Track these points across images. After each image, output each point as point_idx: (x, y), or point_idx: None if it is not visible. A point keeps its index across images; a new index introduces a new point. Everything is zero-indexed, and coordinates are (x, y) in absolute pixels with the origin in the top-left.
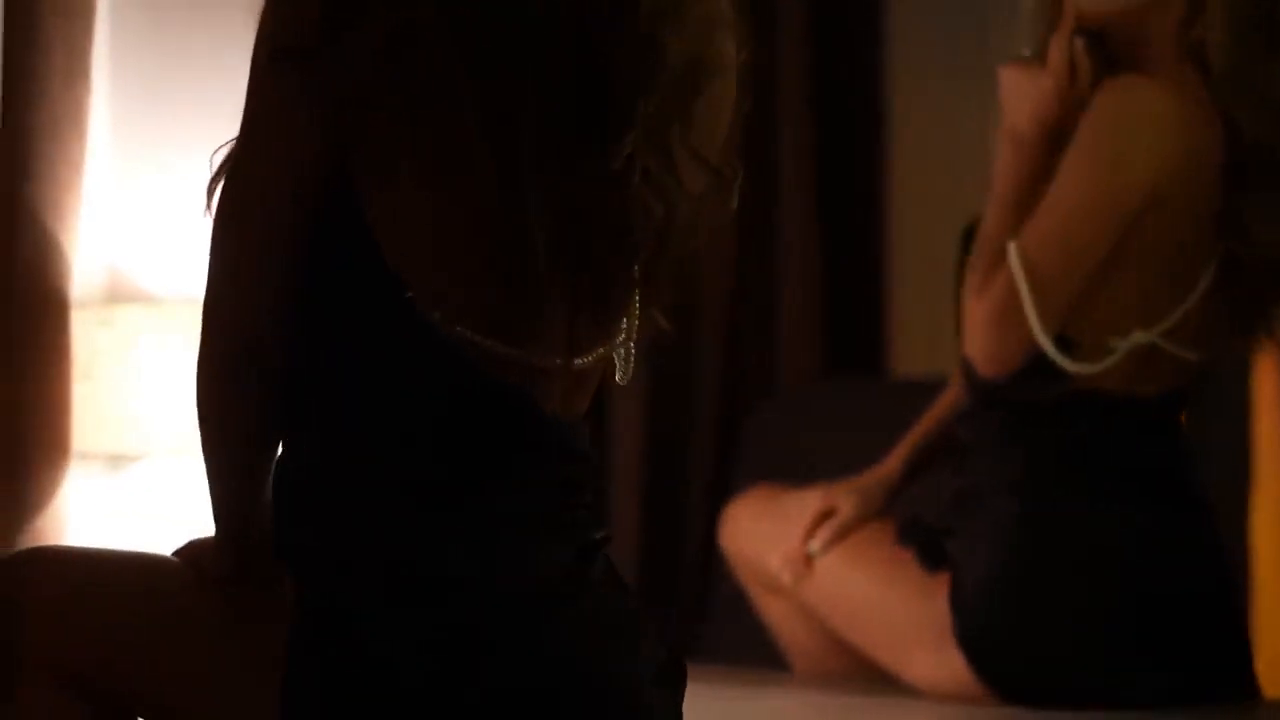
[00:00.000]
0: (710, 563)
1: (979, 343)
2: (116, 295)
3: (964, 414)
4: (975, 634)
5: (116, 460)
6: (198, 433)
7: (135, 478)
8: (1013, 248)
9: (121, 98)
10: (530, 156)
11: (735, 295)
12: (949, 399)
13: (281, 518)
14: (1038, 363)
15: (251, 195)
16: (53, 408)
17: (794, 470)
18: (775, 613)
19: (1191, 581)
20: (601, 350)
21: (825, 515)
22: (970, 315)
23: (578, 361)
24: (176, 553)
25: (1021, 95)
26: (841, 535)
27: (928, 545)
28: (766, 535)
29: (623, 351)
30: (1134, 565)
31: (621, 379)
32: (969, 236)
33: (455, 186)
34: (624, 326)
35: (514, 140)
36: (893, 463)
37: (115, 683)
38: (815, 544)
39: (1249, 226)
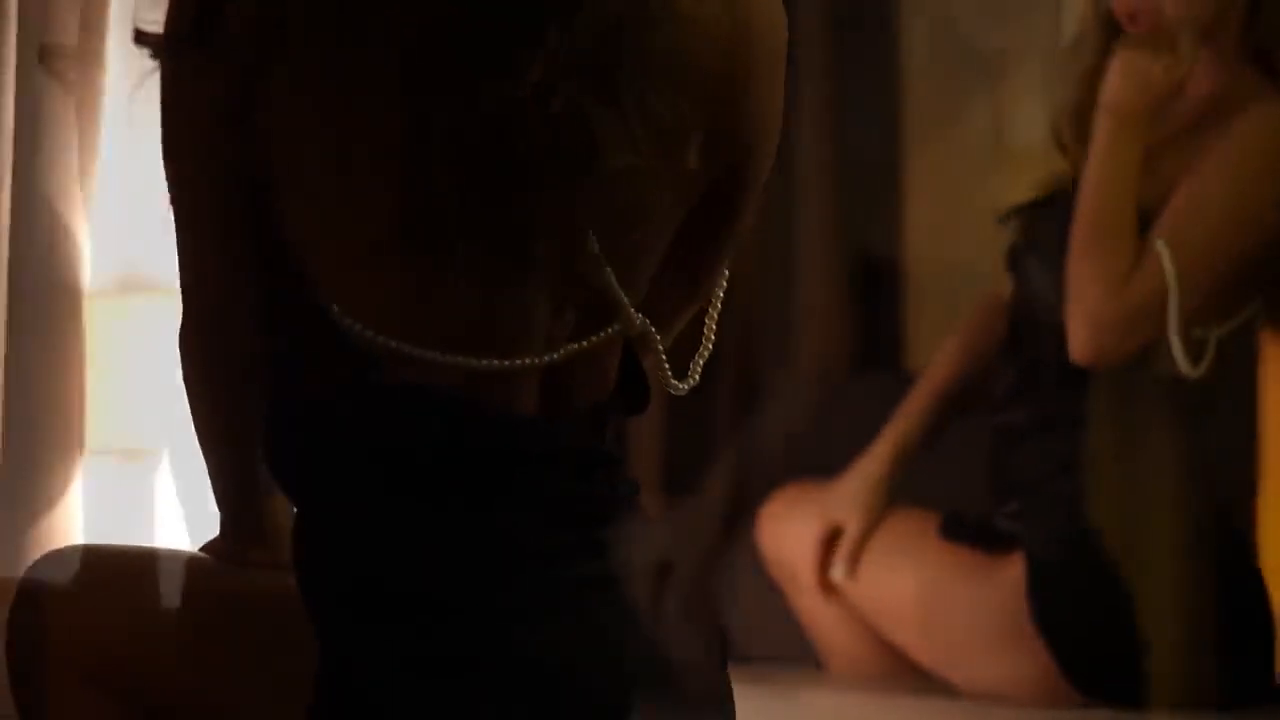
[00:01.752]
0: (729, 571)
1: (1107, 338)
2: (131, 286)
3: (1015, 396)
4: (1057, 616)
5: (131, 454)
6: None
7: (150, 472)
8: (1165, 252)
9: (136, 83)
10: (436, 92)
11: (751, 290)
12: (927, 388)
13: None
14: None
15: (180, 194)
16: (65, 400)
17: (817, 468)
18: (813, 612)
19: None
20: (575, 345)
21: (832, 535)
22: (1101, 308)
23: (529, 360)
24: (204, 547)
25: (1140, 74)
26: (860, 553)
27: (982, 532)
28: (802, 535)
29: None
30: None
31: (672, 385)
32: (1024, 212)
33: (360, 156)
34: (619, 318)
35: (419, 79)
36: (879, 460)
37: (143, 681)
38: (839, 570)
39: None
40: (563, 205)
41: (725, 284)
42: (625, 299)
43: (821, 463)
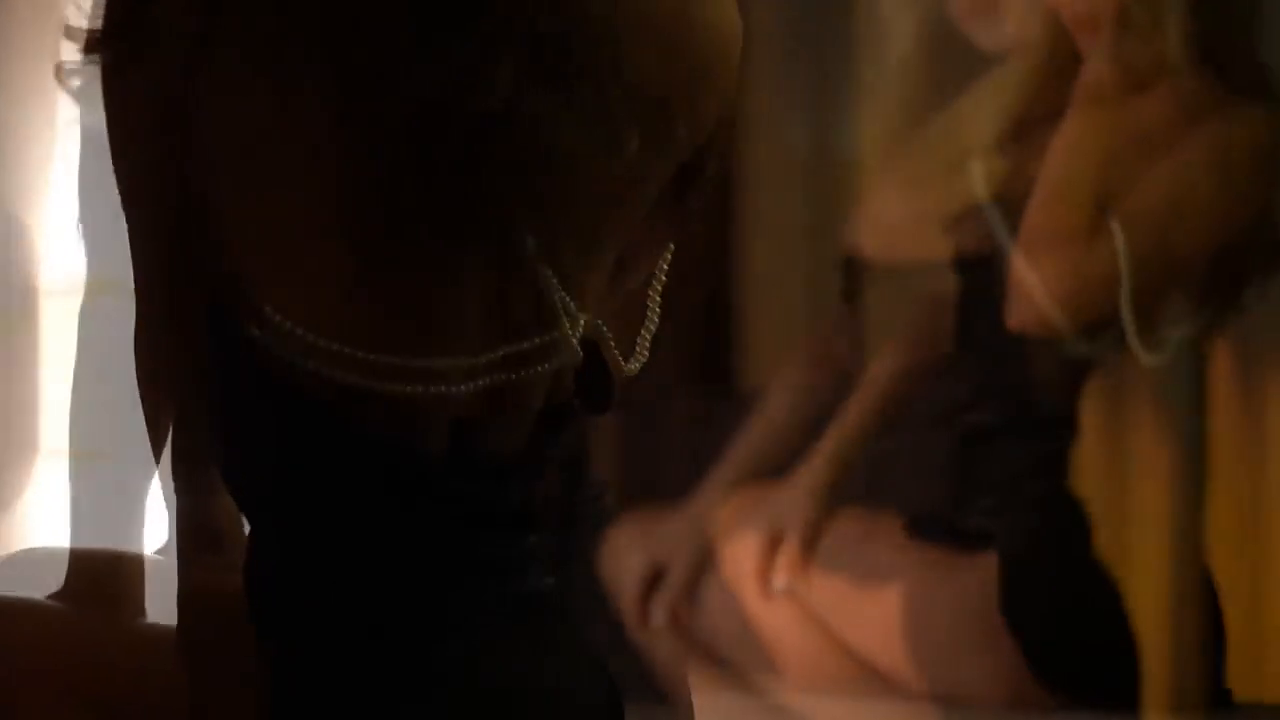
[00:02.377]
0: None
1: (1052, 309)
2: (89, 286)
3: (982, 394)
4: (1029, 613)
5: (87, 457)
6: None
7: (106, 475)
8: (1120, 232)
9: (92, 80)
10: (374, 68)
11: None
12: (868, 390)
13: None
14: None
15: (124, 192)
16: (20, 402)
17: (642, 489)
18: (765, 618)
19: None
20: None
21: (773, 544)
22: (1050, 278)
23: (465, 387)
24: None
25: (1124, 54)
26: (803, 564)
27: (953, 530)
28: (749, 541)
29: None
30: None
31: (627, 370)
32: (849, 267)
33: (293, 154)
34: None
35: (353, 52)
36: (818, 466)
37: (119, 693)
38: (780, 580)
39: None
40: (532, 206)
41: (669, 256)
42: (574, 308)
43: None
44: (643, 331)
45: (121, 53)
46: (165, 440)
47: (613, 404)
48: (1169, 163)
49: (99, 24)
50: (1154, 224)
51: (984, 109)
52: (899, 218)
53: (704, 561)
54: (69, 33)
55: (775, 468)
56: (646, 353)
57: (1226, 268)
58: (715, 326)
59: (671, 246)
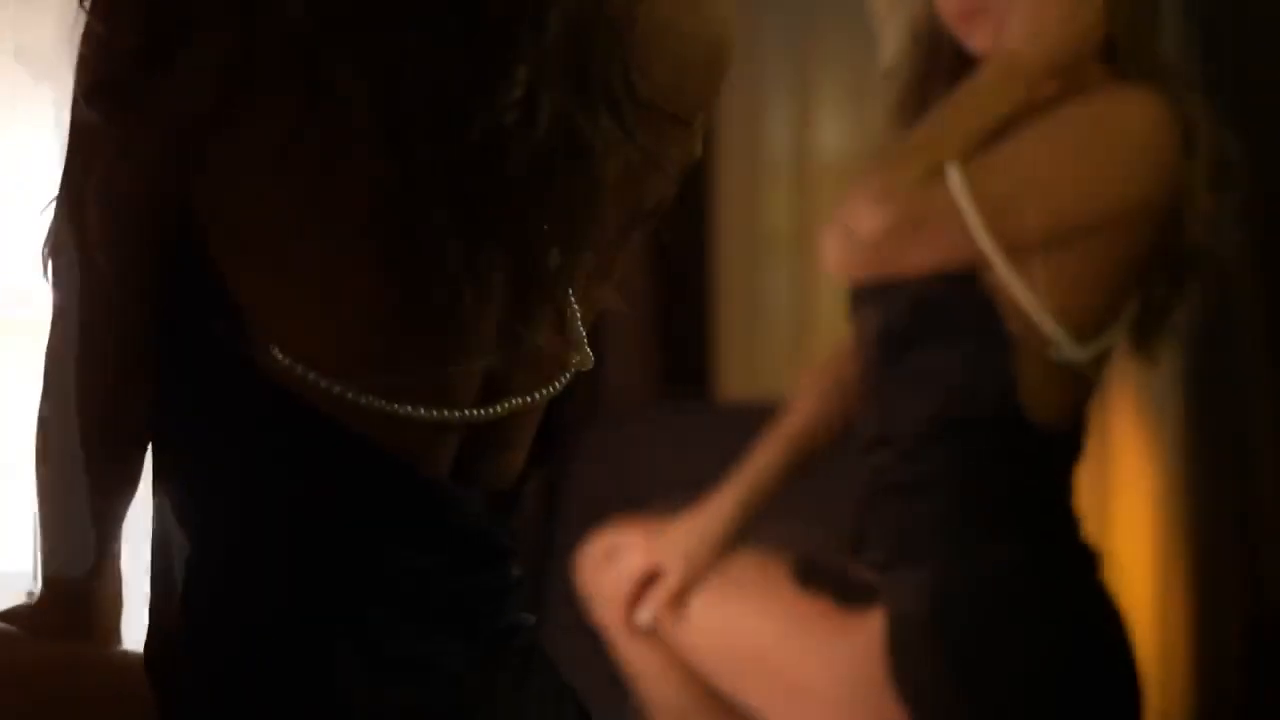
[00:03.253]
0: (542, 603)
1: (861, 249)
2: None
3: (881, 440)
4: (915, 677)
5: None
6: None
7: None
8: (956, 173)
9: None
10: (422, 121)
11: None
12: (782, 435)
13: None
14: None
15: (87, 252)
16: None
17: (624, 499)
18: (639, 662)
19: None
20: (531, 396)
21: (649, 577)
22: (863, 216)
23: (493, 410)
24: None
25: (1048, 26)
26: (673, 604)
27: (839, 583)
28: (620, 574)
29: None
30: (1086, 613)
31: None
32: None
33: (333, 196)
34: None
35: (402, 110)
36: (723, 505)
37: None
38: (644, 615)
39: (1186, 237)
40: (559, 229)
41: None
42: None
43: (630, 493)
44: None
45: (129, 108)
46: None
47: (556, 457)
48: (1039, 128)
49: (98, 72)
50: (1001, 188)
51: (965, 113)
52: (872, 232)
53: (702, 571)
54: (94, 91)
55: (786, 486)
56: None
57: (1145, 271)
58: (694, 338)
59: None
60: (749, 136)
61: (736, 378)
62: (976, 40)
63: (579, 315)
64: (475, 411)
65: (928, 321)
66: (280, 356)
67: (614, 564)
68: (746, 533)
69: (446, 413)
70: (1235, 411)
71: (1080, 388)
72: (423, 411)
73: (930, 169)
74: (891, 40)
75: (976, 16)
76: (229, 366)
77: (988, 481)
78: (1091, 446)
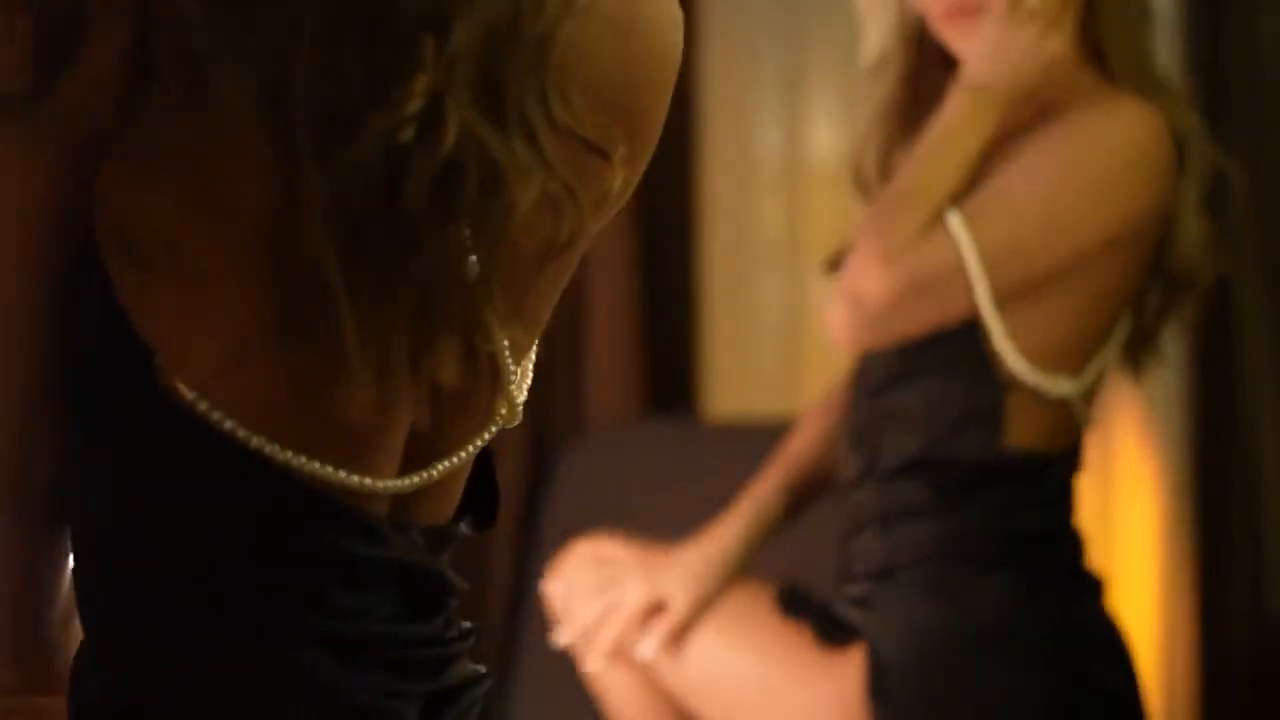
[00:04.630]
0: (518, 626)
1: (867, 316)
2: None
3: (885, 485)
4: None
5: None
6: None
7: None
8: (959, 222)
9: None
10: (310, 129)
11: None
12: (787, 463)
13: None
14: (962, 352)
15: None
16: None
17: (607, 518)
18: (613, 687)
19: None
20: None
21: (654, 607)
22: (867, 281)
23: (422, 476)
24: None
25: (1010, 51)
26: (678, 636)
27: (822, 620)
28: (609, 599)
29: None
30: (1073, 649)
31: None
32: (835, 265)
33: (221, 209)
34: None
35: (291, 121)
36: (726, 536)
37: None
38: (648, 648)
39: (1178, 255)
40: (462, 262)
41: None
42: (514, 377)
43: (613, 512)
44: (524, 363)
45: (21, 118)
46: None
47: (495, 520)
48: (1025, 161)
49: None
50: (1001, 228)
51: (947, 154)
52: (880, 301)
53: (708, 604)
54: None
55: (789, 517)
56: (529, 380)
57: (1136, 293)
58: (680, 352)
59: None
60: (737, 140)
61: (724, 394)
62: (964, 43)
63: (509, 363)
64: (403, 481)
65: (916, 360)
66: (188, 394)
67: (606, 593)
68: (748, 564)
69: (370, 481)
70: (1239, 420)
71: (1073, 413)
72: (343, 475)
73: (927, 220)
74: (874, 37)
75: (962, 18)
76: (143, 405)
77: (973, 513)
78: (1093, 457)
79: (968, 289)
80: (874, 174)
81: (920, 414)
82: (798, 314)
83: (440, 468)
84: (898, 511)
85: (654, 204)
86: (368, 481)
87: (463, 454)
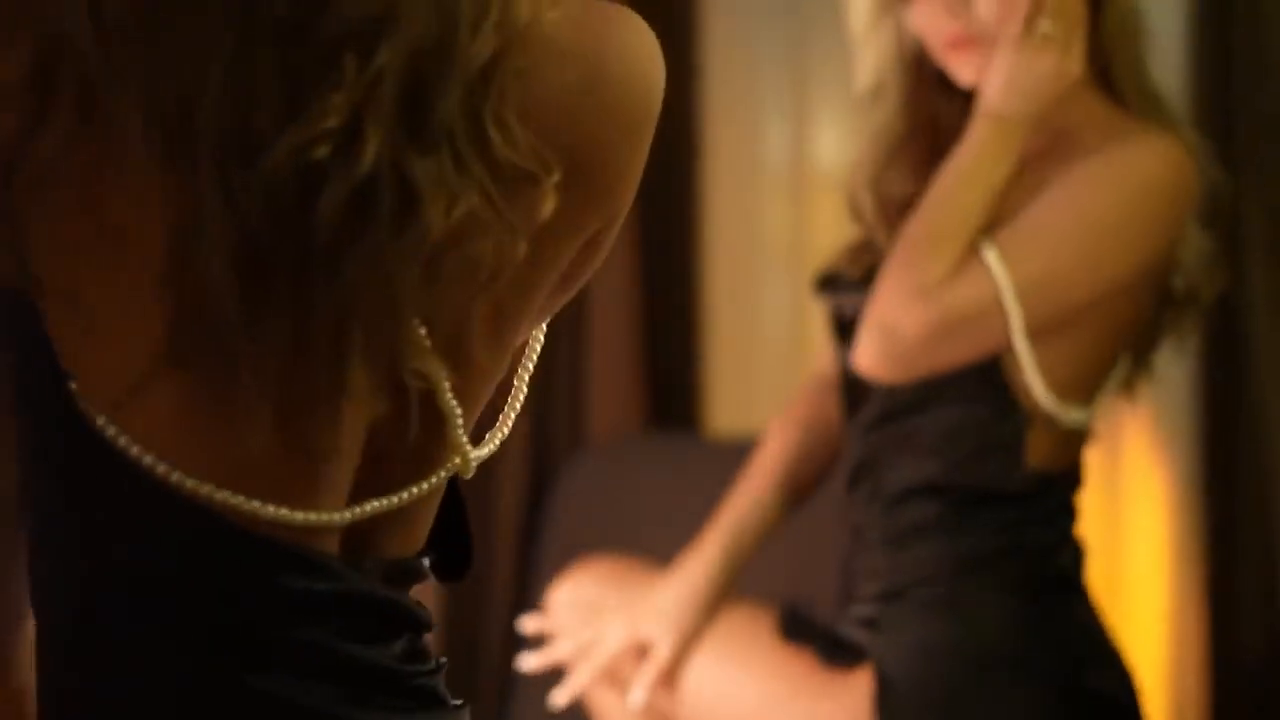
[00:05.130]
0: (517, 643)
1: (901, 348)
2: None
3: (891, 505)
4: None
5: None
6: None
7: None
8: (994, 256)
9: None
10: (214, 150)
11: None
12: (757, 481)
13: None
14: (984, 387)
15: None
16: None
17: (608, 535)
18: (612, 711)
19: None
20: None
21: (636, 649)
22: (900, 313)
23: (354, 512)
24: None
25: (1026, 77)
26: (666, 678)
27: (826, 641)
28: (601, 628)
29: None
30: (1075, 662)
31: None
32: (827, 283)
33: (117, 232)
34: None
35: (193, 132)
36: (699, 570)
37: None
38: (637, 696)
39: (1182, 274)
40: (380, 286)
41: (544, 334)
42: (460, 421)
43: (614, 529)
44: (507, 409)
45: None
46: None
47: (468, 571)
48: (1057, 194)
49: None
50: (1036, 264)
51: (972, 186)
52: (916, 335)
53: (693, 640)
54: None
55: (765, 534)
56: (507, 429)
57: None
58: (682, 366)
59: (540, 329)
60: (741, 150)
61: (727, 410)
62: (965, 72)
63: (455, 407)
64: (341, 514)
65: (933, 388)
66: (100, 421)
67: (592, 625)
68: (732, 587)
69: (288, 513)
70: (1249, 430)
71: (1080, 434)
72: (285, 512)
73: (960, 254)
74: (869, 63)
75: (965, 48)
76: (64, 429)
77: (982, 532)
78: (1102, 468)
79: (1003, 323)
80: (871, 201)
81: (937, 442)
82: (802, 328)
83: (372, 506)
84: (906, 531)
85: (655, 216)
86: (284, 513)
87: (404, 495)
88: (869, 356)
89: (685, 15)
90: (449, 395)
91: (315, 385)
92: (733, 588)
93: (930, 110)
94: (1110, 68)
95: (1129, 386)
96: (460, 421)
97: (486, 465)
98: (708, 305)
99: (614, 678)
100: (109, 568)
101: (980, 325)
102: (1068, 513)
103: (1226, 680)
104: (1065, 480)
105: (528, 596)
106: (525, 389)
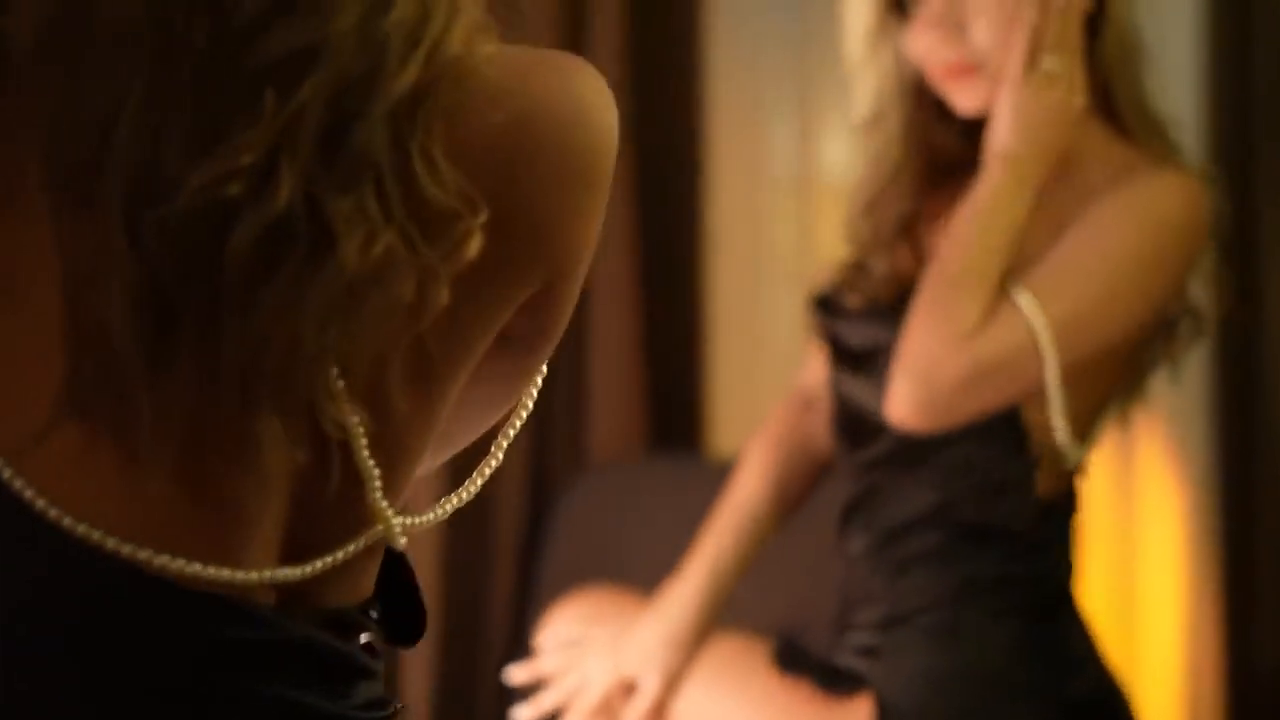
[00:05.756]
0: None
1: (938, 397)
2: None
3: (889, 535)
4: None
5: None
6: None
7: None
8: (1029, 302)
9: None
10: (122, 188)
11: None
12: (736, 506)
13: None
14: (1000, 433)
15: None
16: None
17: (609, 560)
18: None
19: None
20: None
21: (624, 690)
22: (937, 362)
23: (300, 570)
24: None
25: (1035, 115)
26: (656, 714)
27: (824, 670)
28: (590, 665)
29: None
30: (1072, 682)
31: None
32: (823, 305)
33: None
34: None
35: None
36: (679, 605)
37: None
38: None
39: (1189, 300)
40: (291, 328)
41: (533, 396)
42: (379, 488)
43: (616, 554)
44: (482, 466)
45: None
46: None
47: (420, 637)
48: (1085, 234)
49: None
50: (1066, 306)
51: (994, 228)
52: (951, 385)
53: (679, 676)
54: None
55: (749, 561)
56: (476, 485)
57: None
58: (685, 384)
59: (526, 400)
60: (747, 163)
61: (732, 430)
62: (963, 100)
63: (372, 467)
64: (260, 574)
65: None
66: (12, 479)
67: (576, 663)
68: (718, 617)
69: (225, 572)
70: (1265, 428)
71: (1078, 464)
72: (212, 571)
73: (990, 298)
74: (868, 89)
75: (963, 76)
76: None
77: (984, 560)
78: (1116, 474)
79: (1039, 366)
80: (868, 225)
81: (944, 477)
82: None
83: (286, 573)
84: (907, 560)
85: (657, 228)
86: (197, 568)
87: (327, 559)
88: (905, 406)
89: (689, 25)
90: (364, 452)
91: (225, 434)
92: (721, 617)
93: (929, 137)
94: (1110, 91)
95: (1125, 415)
96: (378, 483)
97: (482, 490)
98: (712, 322)
99: (609, 712)
100: (9, 619)
101: (1017, 369)
102: (1065, 537)
103: (1244, 691)
104: (1063, 507)
105: (526, 627)
106: (500, 457)
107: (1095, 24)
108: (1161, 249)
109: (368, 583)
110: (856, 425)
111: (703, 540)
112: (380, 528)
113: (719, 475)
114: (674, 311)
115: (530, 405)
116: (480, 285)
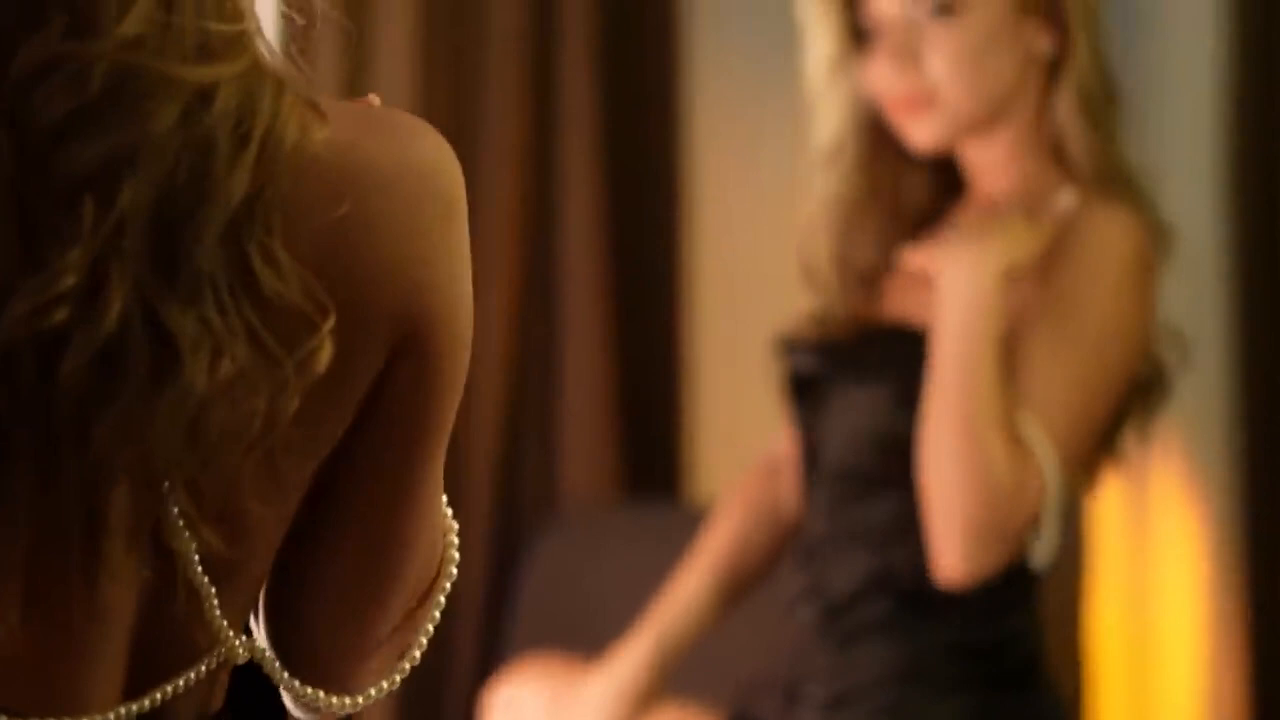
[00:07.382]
0: None
1: (987, 554)
2: None
3: (837, 603)
4: None
5: None
6: None
7: None
8: (1037, 435)
9: None
10: None
11: (508, 406)
12: (700, 570)
13: None
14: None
15: None
16: None
17: (581, 614)
18: None
19: None
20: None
21: None
22: (979, 519)
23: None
24: None
25: (983, 264)
26: None
27: None
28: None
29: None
30: None
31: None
32: (788, 349)
33: None
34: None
35: None
36: (637, 660)
37: None
38: None
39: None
40: (135, 455)
41: (456, 543)
42: (215, 601)
43: (587, 608)
44: (418, 631)
45: None
46: None
47: None
48: (1060, 310)
49: None
50: (1070, 406)
51: (978, 363)
52: (1001, 537)
53: None
54: None
55: (701, 631)
56: (405, 671)
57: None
58: (664, 428)
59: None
60: (729, 194)
61: (712, 474)
62: (918, 134)
63: (207, 585)
64: (118, 710)
65: (882, 472)
66: None
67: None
68: (668, 681)
69: None
70: None
71: None
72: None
73: (1008, 440)
74: (827, 120)
75: (919, 109)
76: None
77: (933, 630)
78: (1131, 509)
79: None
80: (827, 267)
81: (882, 541)
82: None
83: (151, 701)
84: (856, 631)
85: (632, 259)
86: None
87: (181, 682)
88: (963, 567)
89: (669, 56)
90: (197, 568)
91: (66, 570)
92: (672, 687)
93: (891, 177)
94: (1062, 138)
95: (1112, 447)
96: (215, 601)
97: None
98: (691, 358)
99: None
100: None
101: (1038, 495)
102: (1024, 605)
103: None
104: (1019, 572)
105: (492, 675)
106: (440, 609)
107: (1055, 70)
108: (1131, 290)
109: (218, 696)
110: (812, 461)
111: (659, 603)
112: (222, 649)
113: (699, 522)
114: (651, 348)
115: (447, 587)
116: (331, 384)
